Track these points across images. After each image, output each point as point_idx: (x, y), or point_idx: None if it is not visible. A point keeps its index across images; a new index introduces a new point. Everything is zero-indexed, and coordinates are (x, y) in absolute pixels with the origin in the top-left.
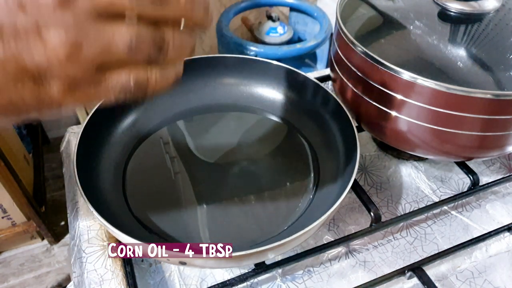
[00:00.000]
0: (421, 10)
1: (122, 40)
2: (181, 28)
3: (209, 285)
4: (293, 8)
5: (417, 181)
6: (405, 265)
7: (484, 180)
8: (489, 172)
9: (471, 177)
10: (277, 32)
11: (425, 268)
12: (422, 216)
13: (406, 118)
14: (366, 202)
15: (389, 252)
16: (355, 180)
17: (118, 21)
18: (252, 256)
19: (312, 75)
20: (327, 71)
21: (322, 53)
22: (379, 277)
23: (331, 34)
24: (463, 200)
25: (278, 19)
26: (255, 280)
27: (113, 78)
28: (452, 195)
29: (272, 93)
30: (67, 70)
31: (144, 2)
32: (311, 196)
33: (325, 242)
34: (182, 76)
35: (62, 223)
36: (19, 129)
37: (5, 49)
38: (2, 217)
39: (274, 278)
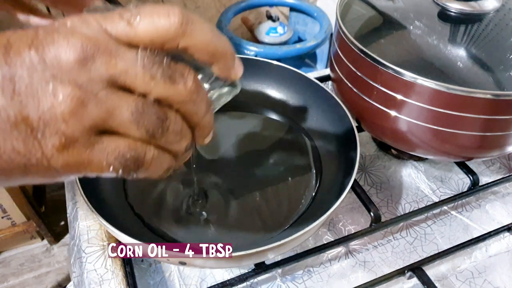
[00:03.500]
0: (421, 10)
1: (127, 108)
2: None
3: (209, 285)
4: (293, 8)
5: (417, 181)
6: (405, 265)
7: (484, 180)
8: (489, 172)
9: (471, 177)
10: (277, 32)
11: (425, 268)
12: (422, 216)
13: (406, 118)
14: (366, 202)
15: (389, 252)
16: (355, 180)
17: (127, 92)
18: (252, 256)
19: (312, 75)
20: (327, 71)
21: (322, 53)
22: (379, 277)
23: (331, 34)
24: (463, 200)
25: (278, 19)
26: (255, 280)
27: (110, 144)
28: (452, 195)
29: (272, 93)
30: (66, 126)
31: (157, 78)
32: (313, 194)
33: (325, 242)
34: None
35: (62, 223)
36: None
37: (13, 97)
38: (2, 217)
39: (274, 278)
